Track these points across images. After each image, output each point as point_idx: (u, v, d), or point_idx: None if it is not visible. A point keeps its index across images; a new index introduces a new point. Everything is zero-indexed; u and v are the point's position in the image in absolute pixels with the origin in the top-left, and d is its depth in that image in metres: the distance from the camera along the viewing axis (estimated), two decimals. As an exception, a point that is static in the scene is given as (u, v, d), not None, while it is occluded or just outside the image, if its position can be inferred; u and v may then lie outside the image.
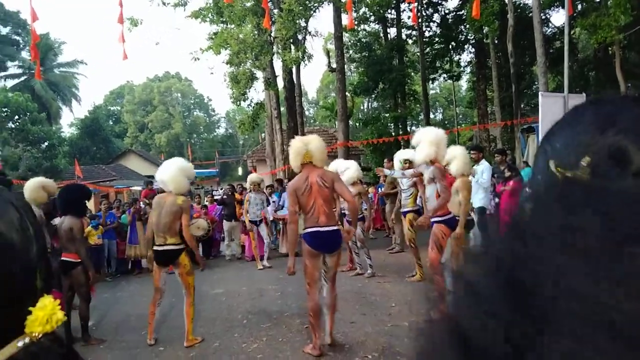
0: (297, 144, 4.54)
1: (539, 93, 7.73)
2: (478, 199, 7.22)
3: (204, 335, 5.24)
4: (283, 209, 10.39)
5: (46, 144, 25.40)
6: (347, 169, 7.74)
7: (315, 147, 4.49)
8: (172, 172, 5.05)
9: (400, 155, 7.64)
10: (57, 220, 7.77)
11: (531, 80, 21.88)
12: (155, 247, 5.02)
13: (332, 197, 4.53)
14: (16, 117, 24.52)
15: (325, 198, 4.37)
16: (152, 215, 5.10)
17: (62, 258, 5.36)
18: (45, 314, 0.68)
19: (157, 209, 5.03)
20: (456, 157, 6.12)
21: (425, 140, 5.30)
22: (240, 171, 40.72)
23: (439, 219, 5.28)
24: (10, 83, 35.08)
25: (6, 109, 23.92)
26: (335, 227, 4.44)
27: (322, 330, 4.54)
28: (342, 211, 8.17)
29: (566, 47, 7.48)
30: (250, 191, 9.76)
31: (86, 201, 5.64)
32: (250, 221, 9.52)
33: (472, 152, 7.58)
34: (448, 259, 5.45)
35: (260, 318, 5.85)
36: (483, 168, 7.76)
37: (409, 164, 7.47)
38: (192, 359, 4.64)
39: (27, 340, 0.67)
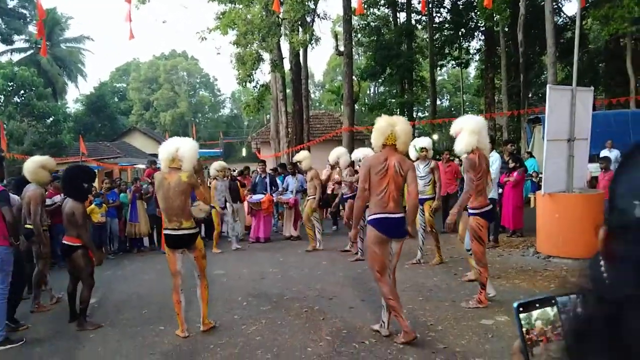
0: (382, 123, 4.35)
1: (547, 86, 7.66)
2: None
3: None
4: (287, 193, 10.43)
5: (51, 119, 25.41)
6: (365, 157, 7.77)
7: (401, 129, 4.30)
8: (190, 149, 4.73)
9: (417, 143, 7.58)
10: (57, 199, 7.88)
11: (540, 70, 21.70)
12: (167, 232, 4.73)
13: (403, 185, 4.33)
14: (22, 91, 24.52)
15: (397, 185, 4.21)
16: (159, 198, 4.82)
17: (63, 241, 5.27)
18: None
19: (161, 189, 4.70)
20: None
21: (467, 129, 5.01)
22: (244, 152, 40.65)
23: (475, 211, 5.09)
24: (16, 57, 34.95)
25: (12, 83, 23.90)
26: (402, 215, 4.28)
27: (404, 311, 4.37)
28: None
29: (576, 41, 7.38)
30: (215, 178, 9.67)
31: (86, 184, 5.34)
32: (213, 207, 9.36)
33: None
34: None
35: (260, 301, 5.90)
36: (494, 159, 7.69)
37: (425, 152, 7.47)
38: (192, 338, 4.69)
39: None
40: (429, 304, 5.31)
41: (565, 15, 20.76)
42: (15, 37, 34.74)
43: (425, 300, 5.45)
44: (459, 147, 5.06)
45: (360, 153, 8.24)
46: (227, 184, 9.86)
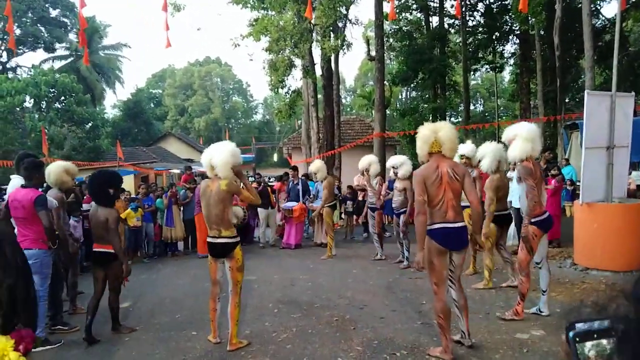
0: (424, 131, 4.25)
1: (585, 92, 7.46)
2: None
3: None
4: (317, 200, 10.46)
5: (90, 124, 26.19)
6: (402, 164, 8.02)
7: (445, 135, 4.19)
8: (224, 156, 4.62)
9: (458, 149, 7.44)
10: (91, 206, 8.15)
11: (577, 74, 21.13)
12: (209, 239, 4.76)
13: (461, 191, 4.16)
14: (62, 97, 25.35)
15: (455, 191, 4.09)
16: (202, 205, 4.82)
17: (96, 249, 5.15)
18: None
19: (204, 198, 4.71)
20: (487, 154, 6.10)
21: (521, 136, 4.94)
22: (275, 157, 40.95)
23: (532, 219, 5.00)
24: (57, 64, 36.23)
25: (53, 90, 24.74)
26: (463, 224, 4.16)
27: (450, 332, 4.24)
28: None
29: (616, 45, 7.16)
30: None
31: (112, 190, 5.23)
32: None
33: None
34: (544, 259, 5.21)
35: (291, 308, 5.91)
36: None
37: (466, 159, 7.35)
38: (223, 345, 4.73)
39: None
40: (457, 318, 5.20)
41: (603, 18, 20.16)
42: (57, 45, 36.01)
43: (455, 315, 5.35)
44: (513, 154, 5.00)
45: (395, 160, 8.22)
46: None
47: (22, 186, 5.05)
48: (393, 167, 8.16)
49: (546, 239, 5.27)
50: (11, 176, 5.70)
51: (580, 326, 0.68)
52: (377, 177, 8.86)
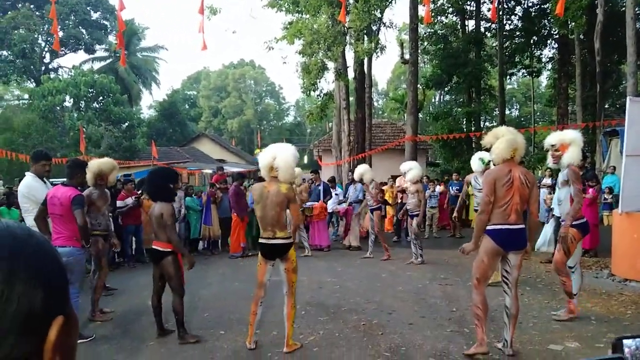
0: (511, 136, 4.34)
1: (627, 98, 7.21)
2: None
3: (263, 323, 5.18)
4: (343, 203, 10.58)
5: (126, 124, 26.84)
6: (410, 169, 8.82)
7: (521, 140, 4.40)
8: (287, 159, 4.56)
9: (484, 155, 7.37)
10: (129, 201, 8.43)
11: (618, 80, 20.48)
12: (262, 240, 4.67)
13: (528, 198, 4.25)
14: (100, 97, 26.06)
15: (522, 196, 4.18)
16: (256, 207, 4.69)
17: (152, 246, 5.09)
18: None
19: (260, 200, 4.59)
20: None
21: (577, 143, 5.08)
22: (306, 159, 41.05)
23: (574, 222, 5.09)
24: (97, 65, 37.22)
25: (92, 90, 25.45)
26: (522, 226, 4.23)
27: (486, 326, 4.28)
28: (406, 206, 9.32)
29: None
30: None
31: (172, 185, 5.14)
32: None
33: None
34: (577, 264, 5.34)
35: (318, 311, 5.89)
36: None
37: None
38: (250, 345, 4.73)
39: None
40: (493, 324, 5.08)
41: (648, 22, 19.47)
42: (97, 47, 37.02)
43: (490, 321, 5.20)
44: (569, 160, 5.08)
45: (405, 166, 9.06)
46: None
47: (63, 184, 5.20)
48: (404, 173, 9.03)
49: (580, 244, 5.39)
50: (26, 173, 5.79)
51: (628, 343, 0.64)
52: (372, 182, 9.47)
